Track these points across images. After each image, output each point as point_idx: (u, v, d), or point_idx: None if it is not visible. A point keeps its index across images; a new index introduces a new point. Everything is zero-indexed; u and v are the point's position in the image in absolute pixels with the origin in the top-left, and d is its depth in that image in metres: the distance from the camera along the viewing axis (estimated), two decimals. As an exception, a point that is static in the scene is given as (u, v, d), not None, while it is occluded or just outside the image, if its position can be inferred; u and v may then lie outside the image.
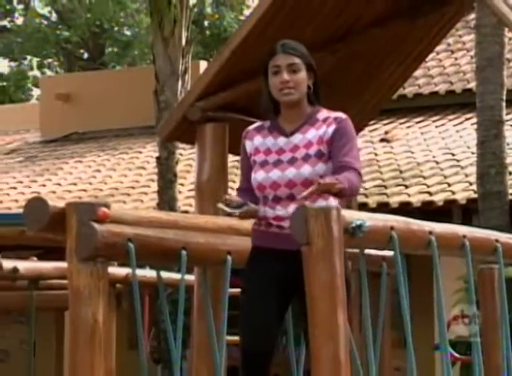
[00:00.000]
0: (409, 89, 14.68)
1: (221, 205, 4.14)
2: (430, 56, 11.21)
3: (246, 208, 4.17)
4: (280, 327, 4.32)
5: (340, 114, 4.31)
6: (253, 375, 4.25)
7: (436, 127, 14.66)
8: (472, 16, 12.21)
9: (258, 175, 4.29)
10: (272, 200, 4.26)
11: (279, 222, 4.25)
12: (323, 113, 4.33)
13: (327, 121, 4.29)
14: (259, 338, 4.21)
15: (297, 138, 4.29)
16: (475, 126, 11.43)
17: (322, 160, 4.22)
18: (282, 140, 4.31)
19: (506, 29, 10.20)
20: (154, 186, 12.96)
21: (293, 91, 4.26)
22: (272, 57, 4.31)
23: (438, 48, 11.92)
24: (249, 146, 4.39)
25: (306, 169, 4.21)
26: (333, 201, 3.99)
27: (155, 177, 12.84)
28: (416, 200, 11.47)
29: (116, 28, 26.96)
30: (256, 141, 4.38)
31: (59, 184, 14.79)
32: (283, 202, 4.24)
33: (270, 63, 4.31)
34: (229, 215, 4.15)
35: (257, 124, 4.44)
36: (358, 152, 4.29)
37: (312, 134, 4.27)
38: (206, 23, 26.13)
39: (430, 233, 4.53)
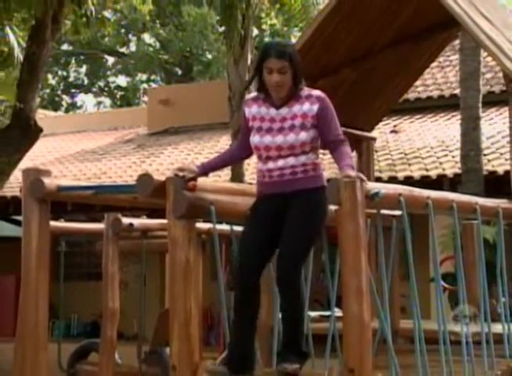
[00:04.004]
0: (411, 94, 14.50)
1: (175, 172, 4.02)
2: (427, 70, 11.06)
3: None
4: (270, 249, 4.09)
5: (319, 93, 4.11)
6: (244, 285, 4.02)
7: (431, 122, 14.52)
8: (457, 41, 12.00)
9: (255, 139, 4.11)
10: (265, 158, 4.09)
11: (270, 173, 4.09)
12: (305, 91, 4.11)
13: (310, 98, 4.07)
14: (249, 256, 4.02)
15: (285, 110, 4.09)
16: (459, 121, 11.28)
17: (304, 130, 4.03)
18: (273, 111, 4.11)
19: (482, 50, 10.04)
20: (228, 165, 12.95)
21: (282, 88, 4.05)
22: (266, 58, 4.05)
23: (432, 64, 11.76)
24: (247, 112, 4.19)
25: (291, 137, 4.03)
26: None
27: (229, 159, 12.84)
28: (416, 174, 11.37)
29: (200, 53, 26.95)
30: (253, 109, 4.17)
31: (161, 164, 14.86)
32: (273, 159, 4.07)
33: (265, 63, 4.05)
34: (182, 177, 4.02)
35: (254, 95, 4.21)
36: (337, 119, 4.11)
37: (297, 108, 4.07)
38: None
39: (428, 198, 4.48)
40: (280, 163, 4.05)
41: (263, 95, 4.16)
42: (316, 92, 4.11)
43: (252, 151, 4.20)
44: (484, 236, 7.05)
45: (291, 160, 4.04)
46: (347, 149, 4.04)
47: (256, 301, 4.06)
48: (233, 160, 4.44)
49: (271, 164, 4.08)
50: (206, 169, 4.16)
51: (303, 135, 4.04)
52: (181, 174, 4.02)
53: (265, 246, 4.04)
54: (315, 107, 4.05)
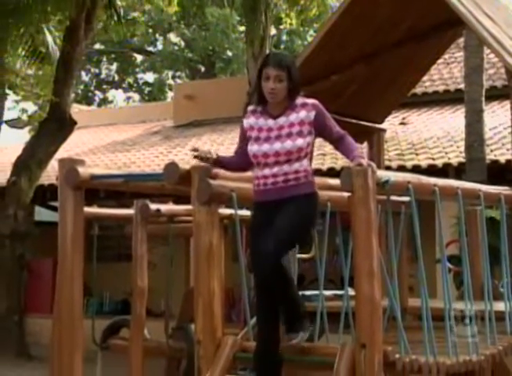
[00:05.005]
0: (419, 89, 14.41)
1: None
2: (433, 66, 10.97)
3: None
4: None
5: (314, 101, 4.04)
6: (264, 298, 4.00)
7: (437, 114, 14.44)
8: (462, 39, 11.90)
9: (253, 148, 4.04)
10: (263, 165, 4.02)
11: (265, 180, 4.01)
12: (299, 100, 4.04)
13: (305, 106, 4.01)
14: (258, 260, 3.95)
15: (282, 120, 4.03)
16: (464, 114, 11.20)
17: (301, 137, 3.97)
18: (270, 121, 4.05)
19: (485, 47, 9.95)
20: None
21: (276, 96, 4.01)
22: (265, 66, 4.03)
23: (438, 61, 11.67)
24: (245, 123, 4.14)
25: (288, 143, 3.96)
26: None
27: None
28: (423, 163, 11.30)
29: (222, 51, 26.90)
30: (251, 120, 4.12)
31: (186, 154, 14.85)
32: (270, 166, 4.00)
33: (263, 70, 4.04)
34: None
35: (253, 107, 4.16)
36: (331, 118, 4.05)
37: (294, 117, 4.01)
38: (282, 46, 25.95)
39: (435, 185, 4.45)
40: (275, 169, 3.98)
41: (261, 108, 4.12)
42: (311, 100, 4.05)
43: (250, 160, 4.09)
44: (490, 215, 7.01)
45: (285, 167, 3.97)
46: (349, 139, 4.02)
47: (274, 304, 4.00)
48: (238, 166, 4.22)
49: (267, 171, 4.01)
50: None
51: (299, 141, 3.97)
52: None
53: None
54: (312, 114, 4.00)
